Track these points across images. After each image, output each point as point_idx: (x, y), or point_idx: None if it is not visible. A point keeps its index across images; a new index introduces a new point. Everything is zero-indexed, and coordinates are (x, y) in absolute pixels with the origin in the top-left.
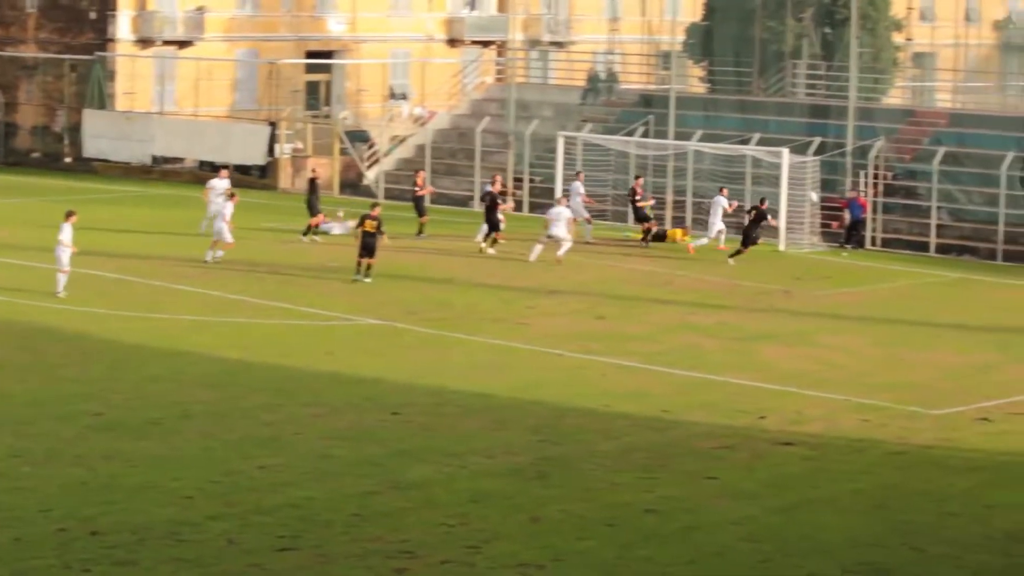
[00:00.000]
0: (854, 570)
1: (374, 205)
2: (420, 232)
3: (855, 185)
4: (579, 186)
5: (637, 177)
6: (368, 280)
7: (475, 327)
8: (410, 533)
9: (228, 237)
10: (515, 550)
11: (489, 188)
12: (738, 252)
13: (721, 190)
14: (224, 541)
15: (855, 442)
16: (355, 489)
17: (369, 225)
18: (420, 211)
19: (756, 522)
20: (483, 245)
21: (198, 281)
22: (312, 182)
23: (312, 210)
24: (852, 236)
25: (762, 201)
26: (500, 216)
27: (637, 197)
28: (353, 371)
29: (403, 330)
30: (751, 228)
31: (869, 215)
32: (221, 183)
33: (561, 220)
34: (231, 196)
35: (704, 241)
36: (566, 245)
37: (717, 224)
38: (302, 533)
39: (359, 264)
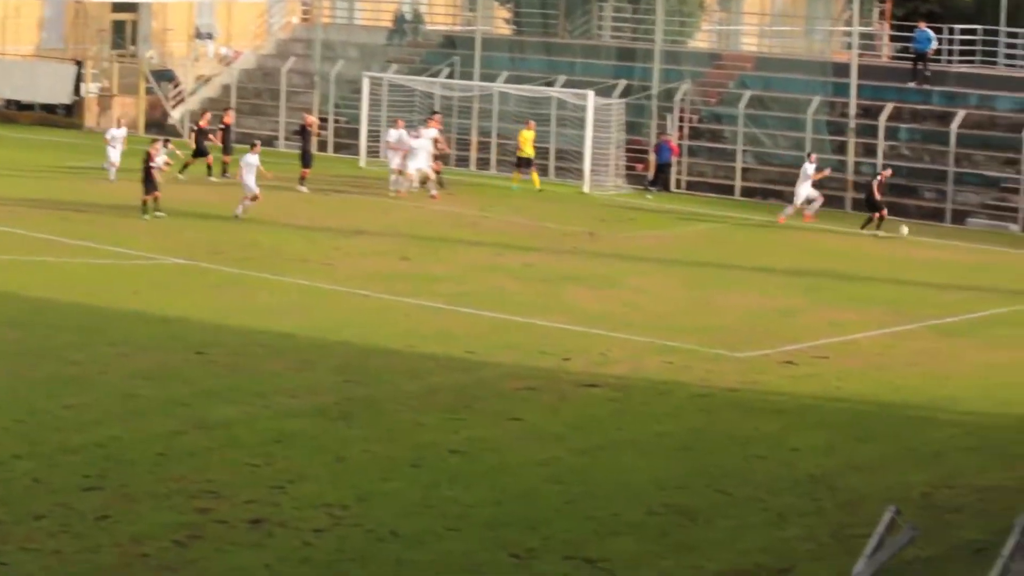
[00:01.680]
0: (659, 512)
1: (154, 141)
2: (225, 172)
3: (662, 128)
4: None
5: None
6: (161, 215)
7: (281, 267)
8: (215, 473)
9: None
10: (320, 490)
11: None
12: (869, 221)
13: (809, 156)
14: (30, 480)
15: (660, 384)
16: (160, 429)
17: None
18: (227, 150)
19: (561, 463)
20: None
21: (3, 219)
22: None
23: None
24: (658, 179)
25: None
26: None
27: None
28: (159, 310)
29: (208, 270)
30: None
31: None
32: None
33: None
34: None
35: (790, 210)
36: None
37: (803, 193)
38: (107, 472)
39: (144, 203)
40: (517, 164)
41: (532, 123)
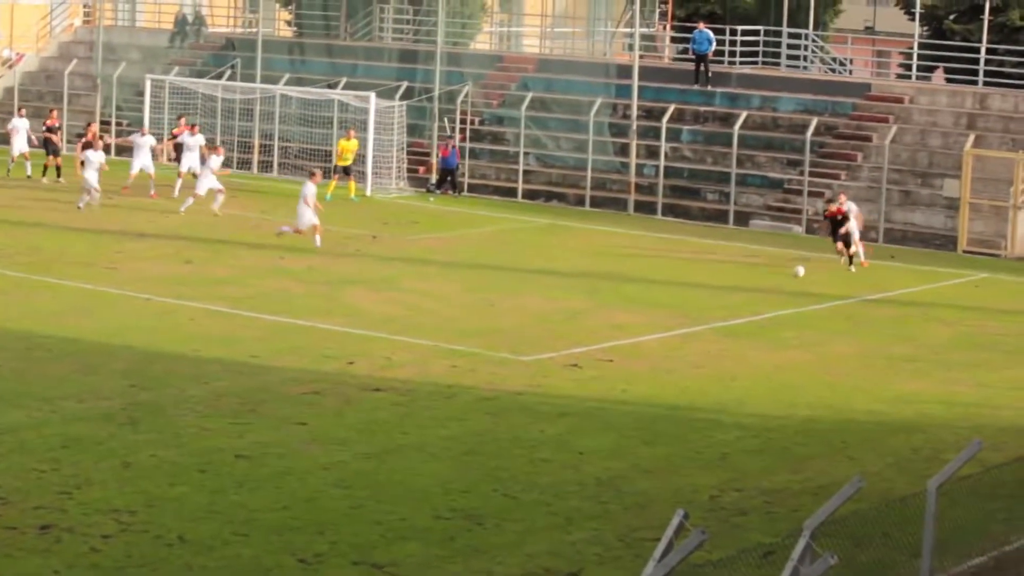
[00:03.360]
0: (447, 516)
1: None
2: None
3: (449, 131)
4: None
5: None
6: None
7: (64, 271)
8: (1, 479)
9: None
10: (108, 496)
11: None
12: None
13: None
14: None
15: (445, 388)
16: None
17: None
18: (55, 152)
19: (347, 467)
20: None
21: None
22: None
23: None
24: (445, 182)
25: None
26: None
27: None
28: None
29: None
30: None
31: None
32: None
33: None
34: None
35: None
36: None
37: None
38: None
39: None
40: (335, 172)
41: (353, 131)
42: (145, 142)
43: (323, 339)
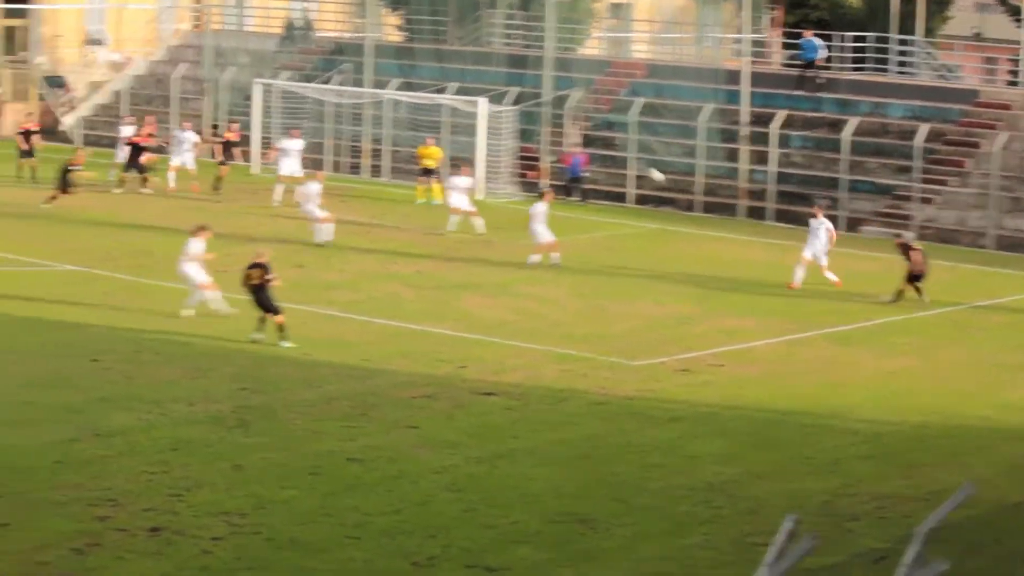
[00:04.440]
0: (558, 520)
1: (77, 149)
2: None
3: (559, 137)
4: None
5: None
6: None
7: (173, 274)
8: (112, 481)
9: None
10: (218, 498)
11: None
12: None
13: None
14: None
15: (557, 392)
16: (56, 437)
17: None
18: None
19: (459, 471)
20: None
21: None
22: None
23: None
24: (573, 190)
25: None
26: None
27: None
28: (51, 317)
29: (102, 276)
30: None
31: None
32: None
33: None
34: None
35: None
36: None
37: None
38: (4, 480)
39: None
40: (424, 174)
41: (431, 140)
42: (187, 138)
43: (435, 343)
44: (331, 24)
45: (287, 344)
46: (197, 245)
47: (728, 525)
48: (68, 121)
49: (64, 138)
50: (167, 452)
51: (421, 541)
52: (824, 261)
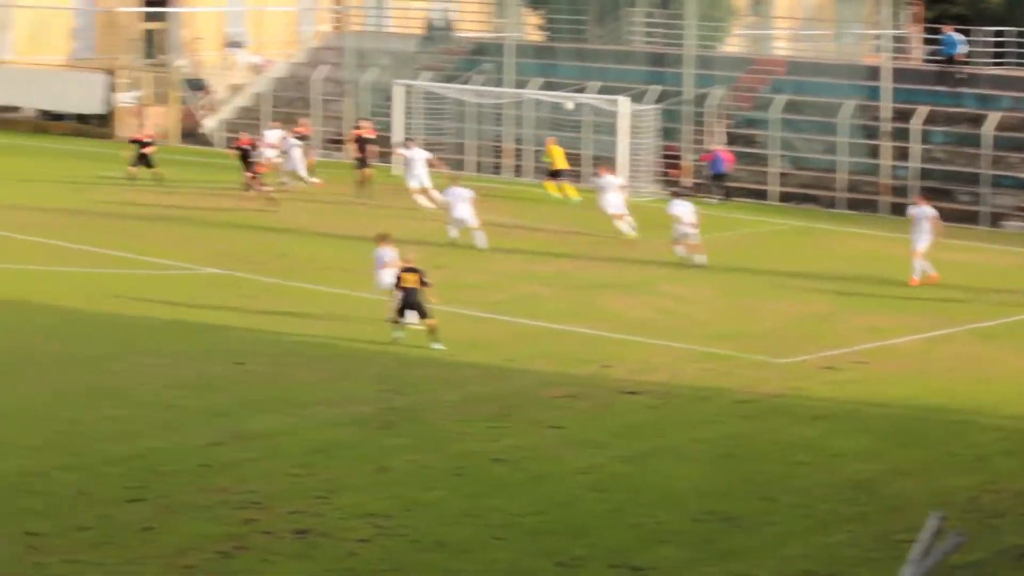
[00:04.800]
0: (703, 519)
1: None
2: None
3: (702, 134)
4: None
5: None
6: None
7: (316, 276)
8: (257, 483)
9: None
10: (363, 500)
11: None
12: None
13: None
14: (73, 492)
15: (701, 391)
16: (201, 440)
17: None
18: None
19: (603, 471)
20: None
21: (39, 230)
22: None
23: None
24: (718, 189)
25: None
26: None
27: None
28: (196, 320)
29: (244, 279)
30: None
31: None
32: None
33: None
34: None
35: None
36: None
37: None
38: (149, 484)
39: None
40: (551, 175)
41: (552, 139)
42: (292, 142)
43: (578, 343)
44: (471, 24)
45: (438, 346)
46: (389, 253)
47: (872, 523)
48: (209, 124)
49: (205, 141)
50: (312, 454)
51: (566, 541)
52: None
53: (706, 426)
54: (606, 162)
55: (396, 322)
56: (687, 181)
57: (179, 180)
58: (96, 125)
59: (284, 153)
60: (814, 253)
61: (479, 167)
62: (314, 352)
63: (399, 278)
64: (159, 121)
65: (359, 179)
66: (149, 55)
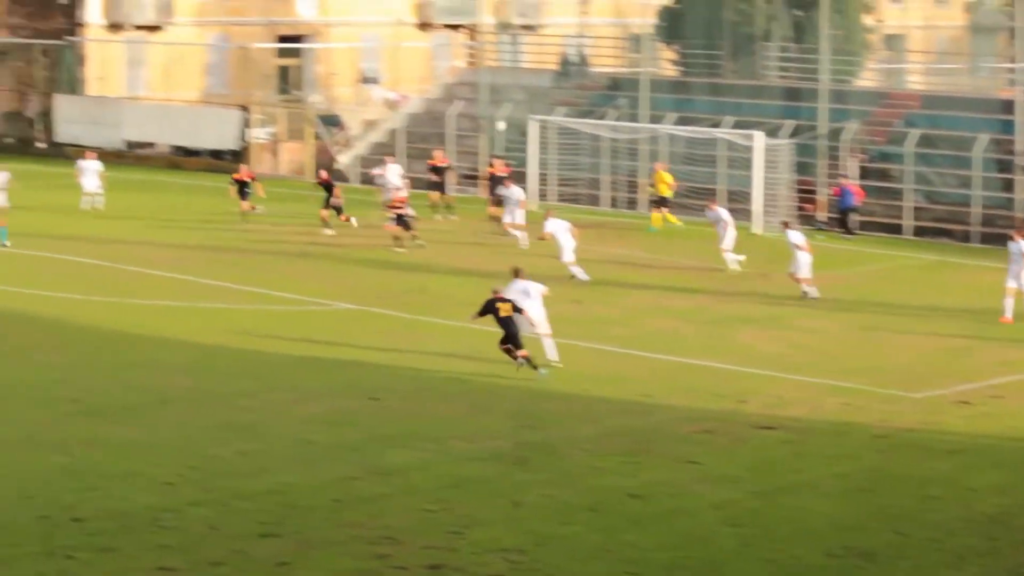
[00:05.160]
0: (838, 554)
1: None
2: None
3: (840, 171)
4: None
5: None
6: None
7: (451, 312)
8: (391, 519)
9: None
10: (497, 535)
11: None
12: None
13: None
14: (206, 527)
15: (836, 426)
16: (335, 475)
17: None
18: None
19: (739, 506)
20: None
21: (173, 266)
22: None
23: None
24: (844, 223)
25: None
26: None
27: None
28: (330, 356)
29: (379, 315)
30: None
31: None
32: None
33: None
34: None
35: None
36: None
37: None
38: (283, 519)
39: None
40: (655, 204)
41: (660, 166)
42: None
43: (713, 378)
44: (606, 59)
45: (544, 372)
46: (532, 286)
47: (1005, 557)
48: (344, 160)
49: (340, 177)
50: (446, 489)
51: None
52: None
53: (841, 461)
54: (713, 196)
55: (511, 355)
56: (821, 215)
57: (313, 216)
58: (230, 161)
59: (383, 188)
60: (948, 287)
61: (614, 202)
62: (449, 387)
63: (497, 309)
64: (294, 157)
65: (492, 215)
66: (283, 91)
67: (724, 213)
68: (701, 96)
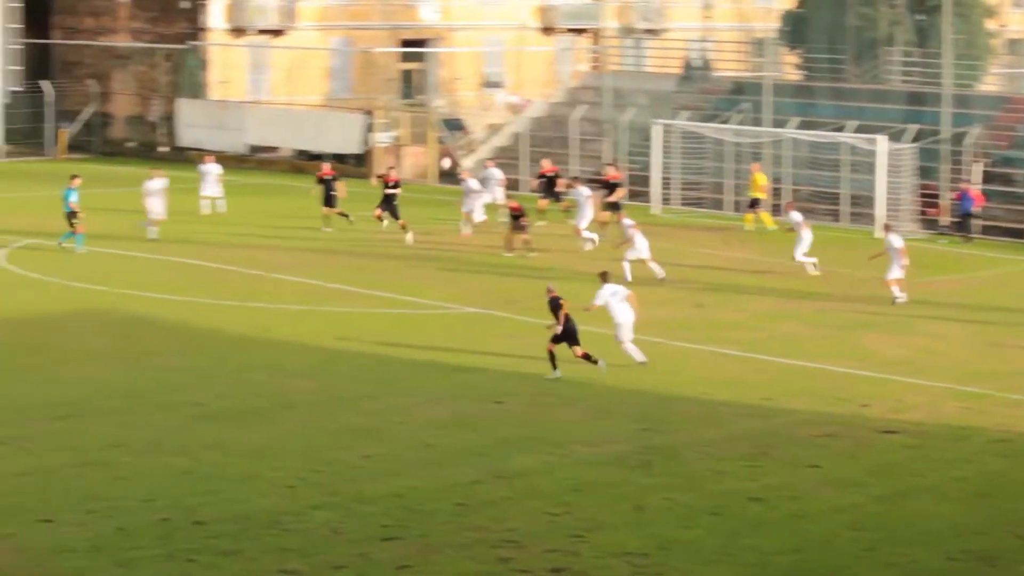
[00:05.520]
0: (959, 558)
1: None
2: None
3: (962, 175)
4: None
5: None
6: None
7: (574, 316)
8: (514, 522)
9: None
10: (620, 539)
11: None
12: None
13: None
14: (328, 530)
15: (958, 430)
16: (458, 479)
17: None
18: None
19: (860, 510)
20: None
21: (296, 270)
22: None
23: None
24: (963, 227)
25: None
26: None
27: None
28: (453, 360)
29: (502, 319)
30: None
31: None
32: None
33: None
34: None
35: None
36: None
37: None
38: (406, 523)
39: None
40: (751, 205)
41: (756, 166)
42: (493, 175)
43: (835, 382)
44: (729, 64)
45: (603, 364)
46: (620, 289)
47: None
48: (467, 164)
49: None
50: (569, 493)
51: None
52: None
53: (962, 465)
54: (795, 198)
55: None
56: (944, 220)
57: (436, 220)
58: (353, 165)
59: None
60: None
61: (737, 206)
62: (572, 391)
63: (560, 307)
64: (417, 161)
65: (600, 220)
66: (406, 95)
67: (797, 216)
68: (824, 100)
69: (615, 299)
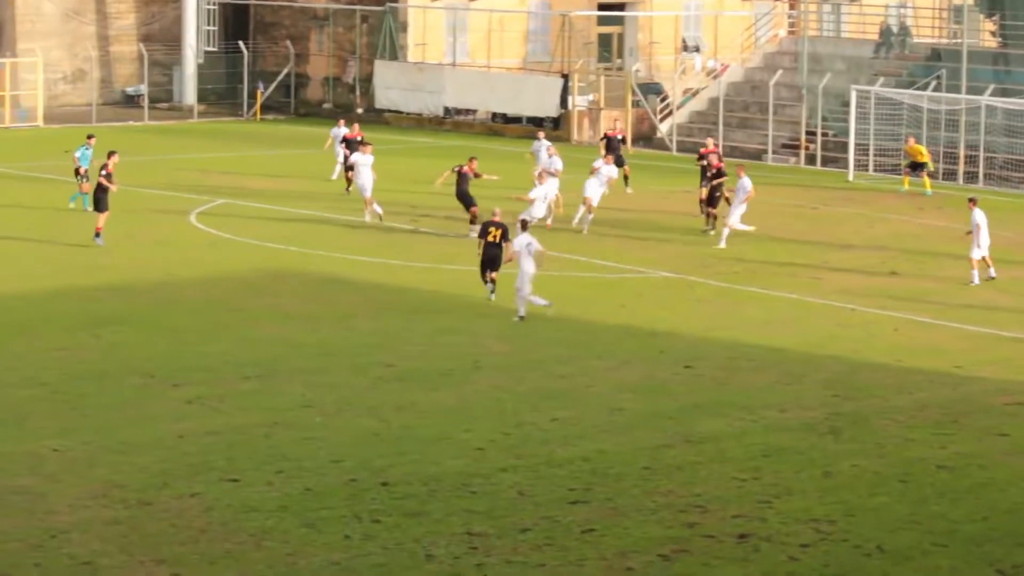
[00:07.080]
0: None
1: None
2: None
3: None
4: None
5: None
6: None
7: (768, 281)
8: (701, 487)
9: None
10: (807, 505)
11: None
12: None
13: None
14: (515, 493)
15: None
16: (647, 443)
17: (493, 234)
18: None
19: None
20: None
21: None
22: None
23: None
24: None
25: None
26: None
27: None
28: (646, 324)
29: (696, 283)
30: None
31: None
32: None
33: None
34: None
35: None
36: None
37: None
38: (593, 486)
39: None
40: (912, 168)
41: (912, 139)
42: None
43: None
44: (927, 30)
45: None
46: (534, 242)
47: None
48: (663, 128)
49: (662, 145)
50: (758, 459)
51: (1008, 549)
52: None
53: None
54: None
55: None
56: None
57: (633, 184)
58: (551, 128)
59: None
60: None
61: (934, 174)
62: (763, 356)
63: (488, 233)
64: (613, 125)
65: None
66: (604, 59)
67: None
68: (1021, 68)
69: (527, 250)
